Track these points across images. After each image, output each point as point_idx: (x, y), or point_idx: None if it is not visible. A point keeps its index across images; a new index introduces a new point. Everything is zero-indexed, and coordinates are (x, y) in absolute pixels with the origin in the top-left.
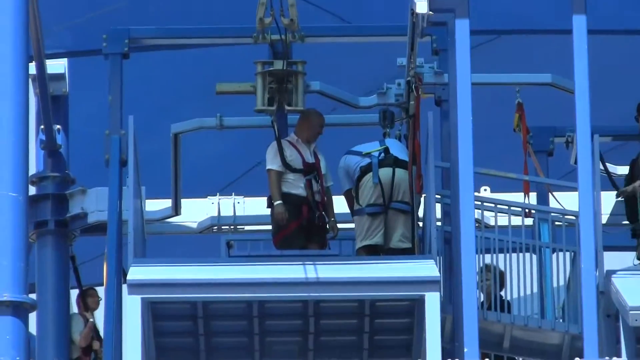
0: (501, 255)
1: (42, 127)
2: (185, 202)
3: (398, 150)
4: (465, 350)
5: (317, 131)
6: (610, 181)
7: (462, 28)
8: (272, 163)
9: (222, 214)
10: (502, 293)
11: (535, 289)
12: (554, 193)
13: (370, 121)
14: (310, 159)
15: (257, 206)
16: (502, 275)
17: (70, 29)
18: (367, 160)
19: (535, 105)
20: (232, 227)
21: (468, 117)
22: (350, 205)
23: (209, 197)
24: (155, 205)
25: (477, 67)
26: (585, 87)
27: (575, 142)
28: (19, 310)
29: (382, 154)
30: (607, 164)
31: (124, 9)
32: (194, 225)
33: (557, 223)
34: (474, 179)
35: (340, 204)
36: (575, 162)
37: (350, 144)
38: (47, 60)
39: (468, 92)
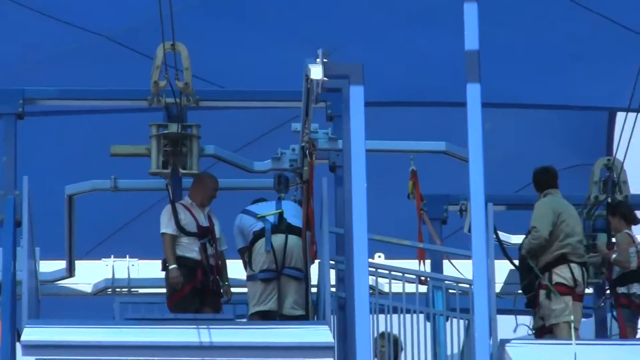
0: (395, 322)
1: None
2: (79, 264)
3: (293, 214)
4: None
5: (211, 194)
6: (502, 250)
7: (356, 94)
8: (167, 226)
9: (116, 276)
10: None
11: (429, 357)
12: (452, 261)
13: (265, 185)
14: (204, 223)
15: (151, 269)
16: (396, 341)
17: None
18: (260, 225)
19: (430, 172)
20: (126, 289)
21: (362, 184)
22: (245, 263)
23: (103, 259)
24: (50, 267)
25: (371, 134)
26: (480, 156)
27: (469, 210)
28: None
29: (276, 219)
30: (500, 232)
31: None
32: (89, 288)
33: (451, 291)
34: (369, 245)
35: (234, 268)
36: (469, 230)
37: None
38: None
39: (362, 158)
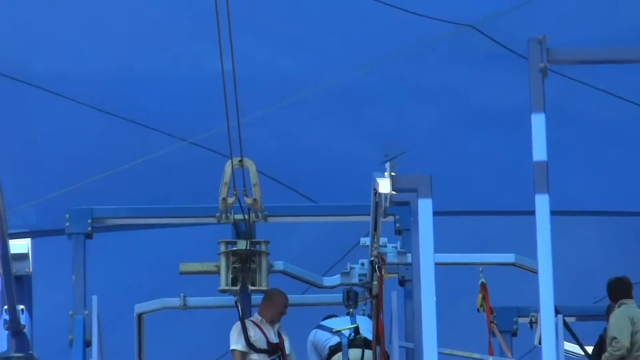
0: None
1: (5, 307)
2: None
3: (368, 329)
4: None
5: (281, 311)
6: (584, 351)
7: (424, 208)
8: (236, 343)
9: None
10: None
11: None
12: None
13: (334, 301)
14: (274, 339)
15: None
16: None
17: (34, 208)
18: (336, 339)
19: (499, 284)
20: None
21: (432, 297)
22: None
23: None
24: None
25: (440, 243)
26: (549, 267)
27: (539, 322)
28: None
29: (352, 333)
30: (568, 342)
31: (88, 188)
32: None
33: None
34: (439, 359)
35: None
36: (539, 343)
37: (314, 323)
38: (10, 240)
39: (431, 272)
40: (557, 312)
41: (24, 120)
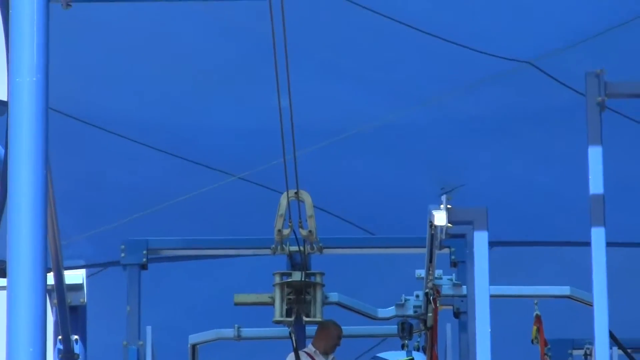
0: None
1: (59, 337)
2: None
3: None
4: None
5: (335, 342)
6: None
7: (480, 240)
8: None
9: None
10: None
11: None
12: None
13: (388, 332)
14: None
15: None
16: None
17: (89, 239)
18: None
19: (554, 316)
20: None
21: (486, 329)
22: None
23: None
24: None
25: (495, 278)
26: (604, 300)
27: (594, 355)
28: None
29: None
30: None
31: (142, 221)
32: None
33: None
34: None
35: None
36: None
37: (368, 355)
38: (65, 271)
39: (486, 304)
40: (614, 341)
41: (81, 157)
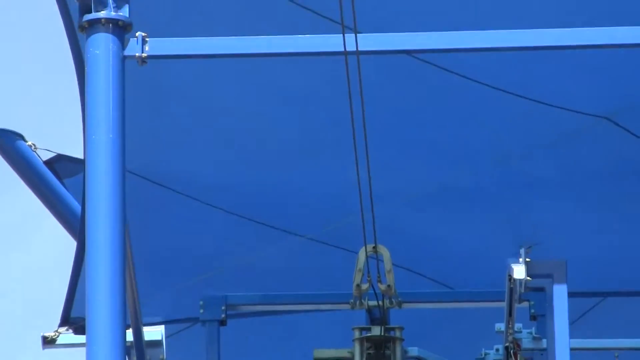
0: None
1: None
2: None
3: None
4: None
5: None
6: None
7: (560, 293)
8: None
9: None
10: None
11: None
12: None
13: None
14: None
15: None
16: None
17: (167, 296)
18: None
19: None
20: None
21: None
22: None
23: None
24: None
25: (576, 332)
26: None
27: None
28: None
29: None
30: None
31: (222, 275)
32: None
33: None
34: None
35: None
36: None
37: None
38: (144, 327)
39: (567, 357)
40: None
41: (156, 219)
